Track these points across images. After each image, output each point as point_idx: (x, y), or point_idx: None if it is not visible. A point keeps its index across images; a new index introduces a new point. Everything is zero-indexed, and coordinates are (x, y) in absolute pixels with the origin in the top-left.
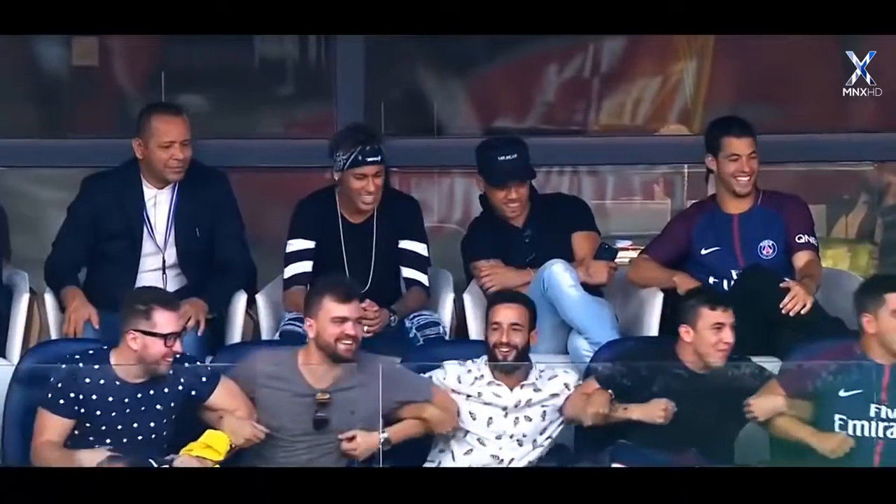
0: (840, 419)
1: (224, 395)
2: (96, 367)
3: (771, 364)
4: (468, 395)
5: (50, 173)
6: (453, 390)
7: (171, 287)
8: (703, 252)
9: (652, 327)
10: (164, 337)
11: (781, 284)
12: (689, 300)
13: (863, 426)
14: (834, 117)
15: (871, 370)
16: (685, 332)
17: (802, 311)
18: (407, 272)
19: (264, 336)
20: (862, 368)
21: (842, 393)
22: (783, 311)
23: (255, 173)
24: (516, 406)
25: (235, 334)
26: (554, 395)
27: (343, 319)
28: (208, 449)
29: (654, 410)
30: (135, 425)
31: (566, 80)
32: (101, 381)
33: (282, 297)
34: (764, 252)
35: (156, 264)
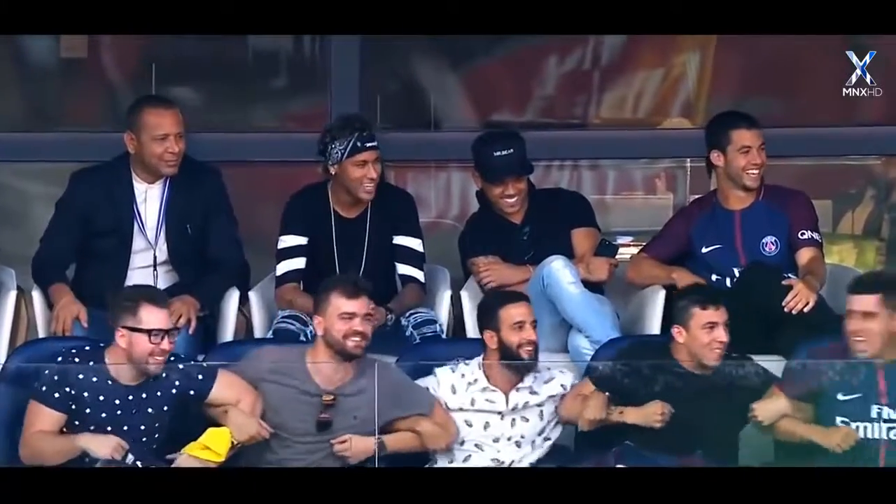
0: (842, 421)
1: (225, 389)
2: (91, 363)
3: (774, 363)
4: (461, 408)
5: (38, 167)
6: (447, 405)
7: (162, 284)
8: (704, 250)
9: (653, 325)
10: (149, 333)
11: (784, 282)
12: (680, 300)
13: (866, 427)
14: (840, 111)
15: (866, 372)
16: (678, 333)
17: (805, 310)
18: (402, 269)
19: (257, 334)
20: (858, 370)
21: (840, 396)
22: (785, 310)
23: (248, 168)
24: (513, 409)
25: (228, 332)
26: (551, 398)
27: (352, 315)
28: (207, 451)
29: (651, 414)
30: (125, 428)
31: (566, 73)
32: (94, 379)
33: (274, 295)
34: (766, 249)
35: (146, 261)
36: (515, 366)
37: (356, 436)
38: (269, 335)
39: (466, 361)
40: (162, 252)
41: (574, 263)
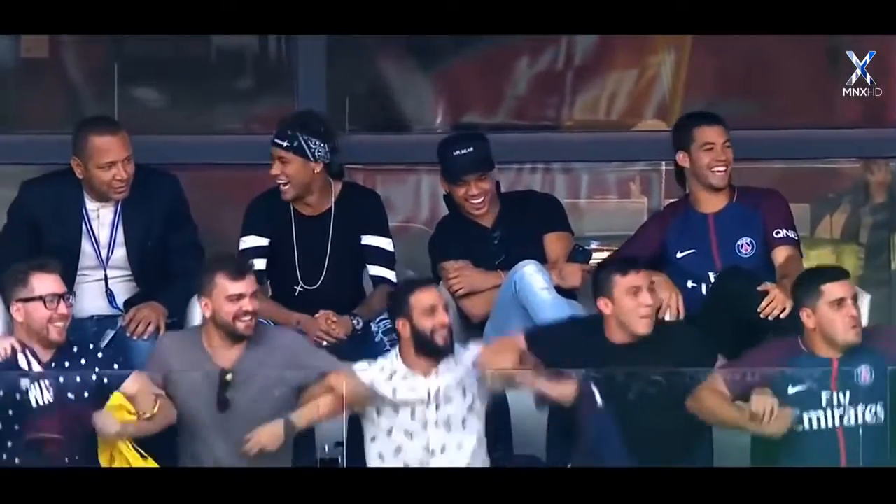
0: (794, 413)
1: (134, 385)
2: None
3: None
4: (384, 397)
5: None
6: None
7: (119, 300)
8: (679, 255)
9: None
10: (44, 300)
11: (759, 288)
12: (599, 272)
13: (818, 418)
14: (818, 112)
15: (819, 365)
16: (604, 306)
17: (781, 316)
18: (373, 269)
19: None
20: (808, 363)
21: (790, 390)
22: (761, 316)
23: (213, 170)
24: (436, 395)
25: None
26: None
27: (239, 296)
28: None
29: (565, 388)
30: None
31: (538, 74)
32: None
33: None
34: (742, 250)
35: (98, 276)
36: (430, 353)
37: (261, 428)
38: None
39: (385, 356)
40: (116, 270)
41: (546, 268)
